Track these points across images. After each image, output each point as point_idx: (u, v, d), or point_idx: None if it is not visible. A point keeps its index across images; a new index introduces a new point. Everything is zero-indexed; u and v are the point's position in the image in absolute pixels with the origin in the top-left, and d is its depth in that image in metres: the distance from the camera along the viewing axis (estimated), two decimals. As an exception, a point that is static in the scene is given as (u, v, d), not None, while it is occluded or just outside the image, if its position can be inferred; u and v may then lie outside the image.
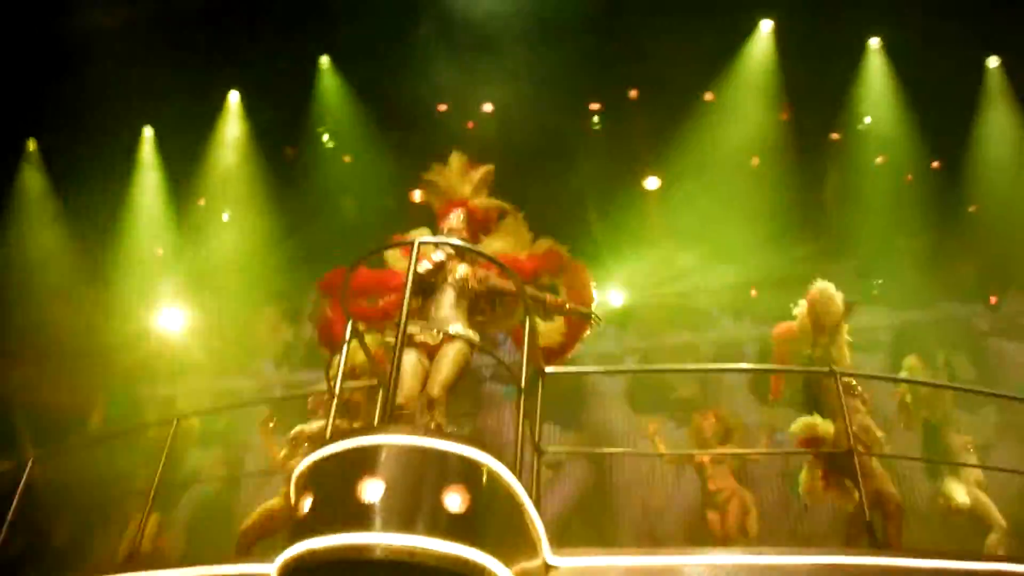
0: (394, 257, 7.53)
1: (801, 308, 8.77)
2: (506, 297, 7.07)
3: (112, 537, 10.11)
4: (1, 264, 15.15)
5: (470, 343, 6.53)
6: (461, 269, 6.88)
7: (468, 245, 6.82)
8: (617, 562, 5.45)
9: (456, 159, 7.76)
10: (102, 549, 10.30)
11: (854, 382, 8.23)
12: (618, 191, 15.37)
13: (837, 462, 7.78)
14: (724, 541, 9.98)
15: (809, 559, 5.54)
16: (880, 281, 14.99)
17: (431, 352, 6.50)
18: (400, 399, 5.91)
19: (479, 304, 6.98)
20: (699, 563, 5.43)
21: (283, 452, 9.05)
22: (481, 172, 7.72)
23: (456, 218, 7.31)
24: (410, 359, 6.37)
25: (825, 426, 8.05)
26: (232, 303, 16.33)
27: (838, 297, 8.73)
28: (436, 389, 6.27)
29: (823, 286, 8.75)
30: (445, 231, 7.27)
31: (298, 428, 9.07)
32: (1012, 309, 15.19)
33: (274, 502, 8.86)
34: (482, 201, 7.59)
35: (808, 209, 15.14)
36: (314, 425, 8.91)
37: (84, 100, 14.41)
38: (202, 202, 16.59)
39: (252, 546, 8.55)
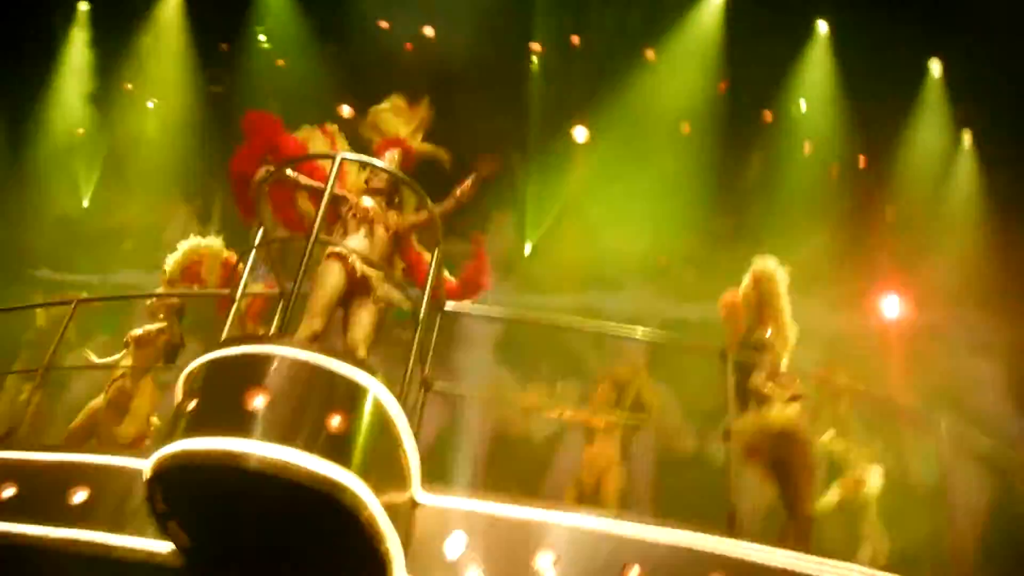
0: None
1: (746, 282, 8.54)
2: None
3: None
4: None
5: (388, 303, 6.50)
6: (367, 202, 6.71)
7: (392, 171, 6.68)
8: (483, 508, 5.41)
9: (397, 98, 7.64)
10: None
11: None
12: (546, 137, 15.31)
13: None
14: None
15: (672, 533, 5.49)
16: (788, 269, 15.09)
17: (351, 276, 6.39)
18: (316, 310, 5.93)
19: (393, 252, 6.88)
20: (564, 522, 5.41)
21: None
22: (420, 113, 7.60)
23: (390, 157, 7.17)
24: (333, 272, 6.25)
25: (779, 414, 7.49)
26: (145, 195, 16.07)
27: (783, 274, 8.47)
28: (362, 349, 6.19)
29: (767, 262, 8.50)
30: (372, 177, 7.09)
31: (131, 332, 8.99)
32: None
33: (97, 402, 8.78)
34: (419, 145, 7.48)
35: (730, 186, 15.28)
36: (147, 328, 8.88)
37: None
38: (129, 86, 16.19)
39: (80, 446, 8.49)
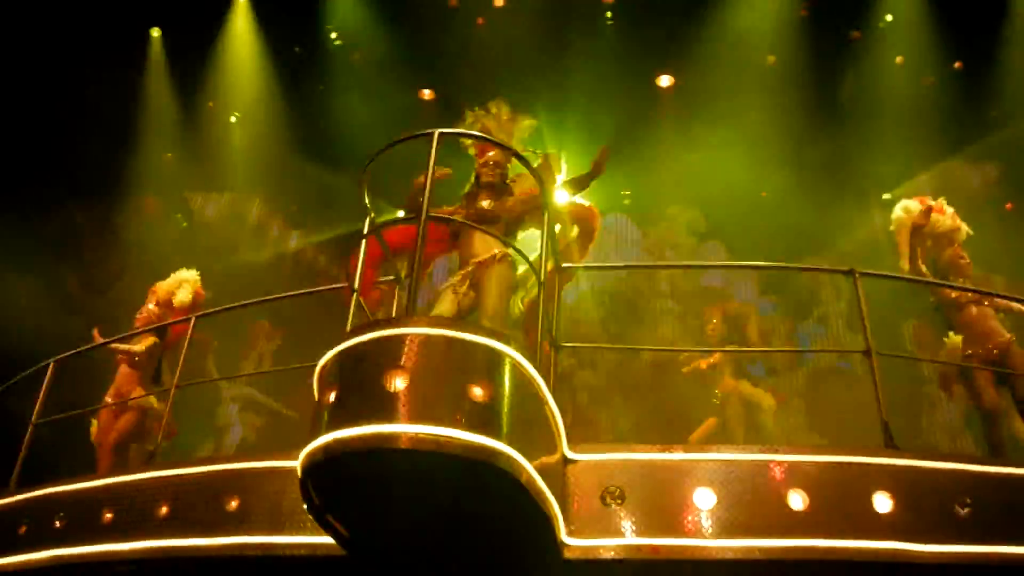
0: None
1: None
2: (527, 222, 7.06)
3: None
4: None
5: (508, 261, 6.53)
6: (487, 203, 6.86)
7: (493, 139, 6.69)
8: (634, 457, 5.43)
9: (499, 106, 7.63)
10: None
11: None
12: (631, 90, 15.11)
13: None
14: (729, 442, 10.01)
15: (824, 458, 5.51)
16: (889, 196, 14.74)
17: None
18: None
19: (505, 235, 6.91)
20: (714, 459, 5.43)
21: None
22: (524, 126, 7.60)
23: (494, 156, 7.17)
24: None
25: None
26: (237, 205, 16.32)
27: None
28: (488, 322, 6.22)
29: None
30: (487, 164, 7.13)
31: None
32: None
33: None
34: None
35: (825, 110, 14.95)
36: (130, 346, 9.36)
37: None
38: (211, 104, 16.38)
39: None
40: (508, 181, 7.06)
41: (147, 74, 16.04)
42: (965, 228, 8.65)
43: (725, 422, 10.39)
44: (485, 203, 6.86)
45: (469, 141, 7.18)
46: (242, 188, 16.44)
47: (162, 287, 9.82)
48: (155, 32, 16.14)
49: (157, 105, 16.03)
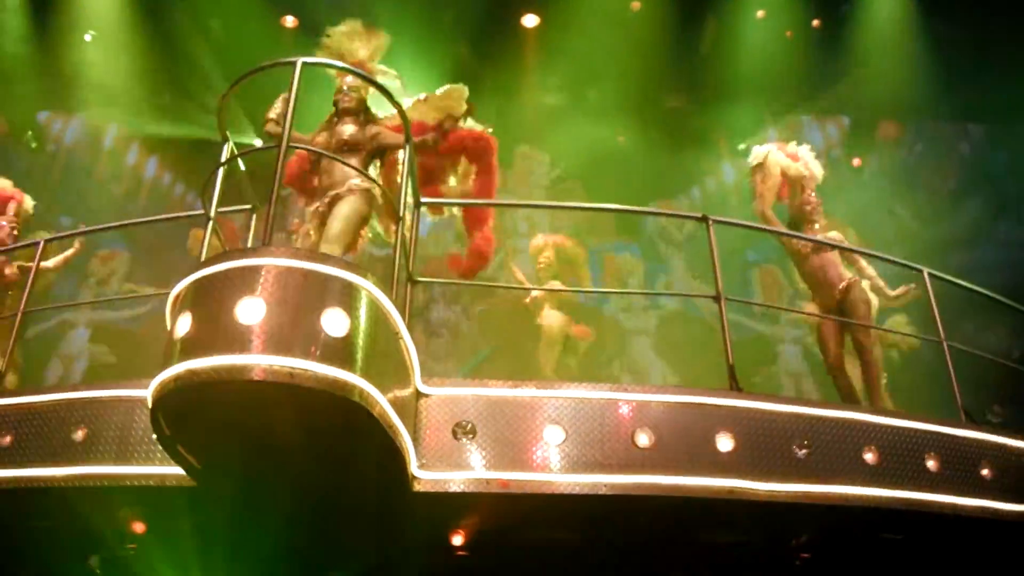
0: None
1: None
2: (390, 154, 7.06)
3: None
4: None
5: (366, 193, 6.55)
6: (348, 129, 6.84)
7: (356, 70, 6.62)
8: (485, 392, 5.51)
9: (350, 22, 7.56)
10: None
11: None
12: (495, 28, 15.04)
13: None
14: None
15: (671, 397, 5.71)
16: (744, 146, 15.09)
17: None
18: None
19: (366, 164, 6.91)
20: (564, 395, 5.55)
21: None
22: (378, 39, 7.56)
23: (352, 79, 7.11)
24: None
25: None
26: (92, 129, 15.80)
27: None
28: (327, 246, 6.28)
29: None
30: (343, 91, 7.08)
31: None
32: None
33: None
34: (374, 66, 7.50)
35: (685, 59, 15.15)
36: None
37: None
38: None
39: None
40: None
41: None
42: (818, 174, 8.84)
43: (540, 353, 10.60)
44: (347, 131, 6.83)
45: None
46: (97, 111, 15.82)
47: None
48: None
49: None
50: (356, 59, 7.38)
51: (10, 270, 8.99)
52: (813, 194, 8.61)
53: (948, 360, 6.83)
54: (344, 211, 6.51)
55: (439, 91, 7.49)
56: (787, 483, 5.47)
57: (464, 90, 7.48)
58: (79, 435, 5.67)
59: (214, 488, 5.20)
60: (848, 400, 7.94)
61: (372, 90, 6.87)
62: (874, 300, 8.84)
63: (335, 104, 7.07)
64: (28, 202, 9.53)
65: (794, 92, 15.25)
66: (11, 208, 9.20)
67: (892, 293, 8.97)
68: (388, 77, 7.50)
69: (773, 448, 5.57)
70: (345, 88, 7.06)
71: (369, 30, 7.59)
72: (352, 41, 7.49)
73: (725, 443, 5.49)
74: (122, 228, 13.87)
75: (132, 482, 5.41)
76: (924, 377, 9.63)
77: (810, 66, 15.02)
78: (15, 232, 9.21)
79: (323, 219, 6.66)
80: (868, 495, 5.61)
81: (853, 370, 8.38)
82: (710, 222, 6.83)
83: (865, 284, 8.48)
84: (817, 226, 8.47)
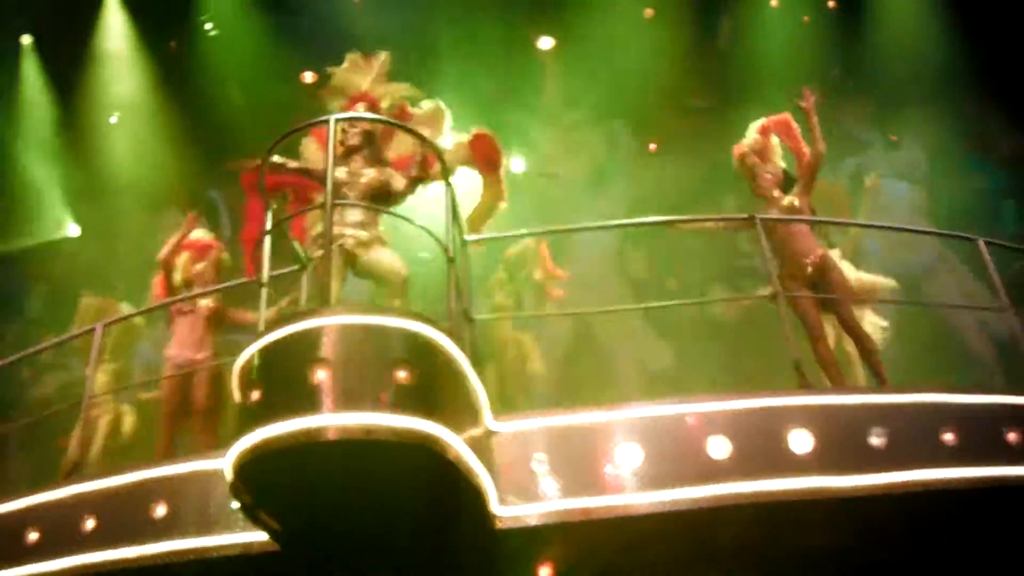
0: (311, 151, 7.34)
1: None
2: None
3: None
4: None
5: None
6: (368, 173, 6.76)
7: (388, 120, 6.69)
8: (552, 422, 5.52)
9: (352, 55, 7.60)
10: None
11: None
12: (512, 54, 15.11)
13: None
14: None
15: (733, 404, 5.64)
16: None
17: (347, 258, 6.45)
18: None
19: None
20: (633, 415, 5.54)
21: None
22: (377, 62, 7.57)
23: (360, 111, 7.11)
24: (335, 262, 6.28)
25: None
26: (128, 211, 15.92)
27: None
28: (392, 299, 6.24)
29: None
30: (351, 128, 7.03)
31: None
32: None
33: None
34: (383, 88, 7.47)
35: (705, 58, 15.14)
36: None
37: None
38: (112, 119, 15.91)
39: None
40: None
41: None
42: (775, 145, 8.72)
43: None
44: (354, 168, 6.77)
45: (337, 98, 7.20)
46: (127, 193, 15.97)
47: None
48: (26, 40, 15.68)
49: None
50: (360, 91, 7.39)
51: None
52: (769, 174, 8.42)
53: (1021, 330, 6.68)
54: (388, 261, 6.43)
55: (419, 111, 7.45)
56: (868, 474, 5.38)
57: (440, 106, 7.44)
58: (160, 512, 5.72)
59: (299, 550, 5.22)
60: (831, 372, 7.62)
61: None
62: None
63: (342, 143, 6.96)
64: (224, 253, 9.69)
65: (820, 77, 15.13)
66: (212, 254, 9.41)
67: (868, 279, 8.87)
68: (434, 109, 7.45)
69: (848, 441, 5.49)
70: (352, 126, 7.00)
71: (367, 58, 7.60)
72: (354, 74, 7.52)
73: (800, 442, 5.43)
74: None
75: (216, 553, 5.43)
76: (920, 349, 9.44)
77: (832, 48, 14.94)
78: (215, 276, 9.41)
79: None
80: (953, 477, 5.49)
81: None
82: (758, 220, 6.82)
83: (834, 253, 8.28)
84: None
